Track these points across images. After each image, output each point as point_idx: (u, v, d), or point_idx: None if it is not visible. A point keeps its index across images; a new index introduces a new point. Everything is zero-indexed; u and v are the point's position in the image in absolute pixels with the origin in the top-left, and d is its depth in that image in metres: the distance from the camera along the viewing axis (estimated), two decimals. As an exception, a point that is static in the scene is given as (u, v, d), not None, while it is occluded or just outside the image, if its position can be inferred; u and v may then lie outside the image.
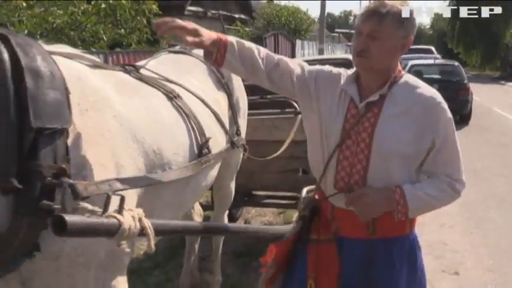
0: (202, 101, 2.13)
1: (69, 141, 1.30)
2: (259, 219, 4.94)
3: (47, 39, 7.34)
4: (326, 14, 21.46)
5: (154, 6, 9.16)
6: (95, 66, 1.67)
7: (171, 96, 1.90)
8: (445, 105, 1.58)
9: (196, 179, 1.96)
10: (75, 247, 1.33)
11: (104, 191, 1.26)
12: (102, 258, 1.44)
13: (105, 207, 1.17)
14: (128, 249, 1.53)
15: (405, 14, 1.52)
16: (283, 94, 1.81)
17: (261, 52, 1.64)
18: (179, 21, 1.51)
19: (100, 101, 1.49)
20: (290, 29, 20.70)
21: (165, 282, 3.42)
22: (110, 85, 1.62)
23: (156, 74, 2.00)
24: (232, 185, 2.85)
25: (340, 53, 28.13)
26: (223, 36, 1.56)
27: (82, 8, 8.26)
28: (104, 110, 1.49)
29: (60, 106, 1.27)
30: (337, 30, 56.36)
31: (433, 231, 4.50)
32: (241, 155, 2.68)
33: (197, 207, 3.31)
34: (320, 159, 1.66)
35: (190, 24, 1.52)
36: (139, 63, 2.16)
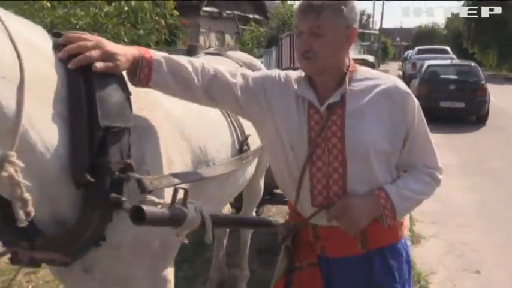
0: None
1: (130, 139, 1.39)
2: (280, 217, 5.04)
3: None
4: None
5: (174, 10, 9.32)
6: None
7: None
8: (410, 92, 1.48)
9: (235, 174, 2.06)
10: (134, 238, 1.43)
11: (167, 185, 1.37)
12: (156, 249, 1.55)
13: (173, 199, 1.27)
14: (178, 241, 1.63)
15: (342, 1, 1.40)
16: (228, 110, 1.75)
17: (195, 66, 1.49)
18: (86, 43, 1.31)
19: (152, 101, 1.60)
20: (305, 29, 20.73)
21: (193, 277, 3.52)
22: None
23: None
24: (262, 183, 2.95)
25: (354, 54, 28.05)
26: (147, 53, 1.42)
27: (104, 9, 8.47)
28: (156, 109, 1.59)
29: (124, 106, 1.36)
30: (350, 30, 55.92)
31: (453, 232, 4.56)
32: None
33: (226, 206, 3.41)
34: (289, 178, 1.52)
35: (99, 43, 1.33)
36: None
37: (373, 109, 1.43)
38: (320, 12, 1.38)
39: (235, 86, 1.52)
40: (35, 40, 1.23)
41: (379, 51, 45.67)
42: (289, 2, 27.86)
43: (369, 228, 1.46)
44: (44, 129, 1.20)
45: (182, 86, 1.48)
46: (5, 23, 1.12)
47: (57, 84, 1.24)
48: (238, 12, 22.18)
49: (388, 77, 1.51)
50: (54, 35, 1.35)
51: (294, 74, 1.56)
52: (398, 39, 67.39)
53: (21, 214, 1.13)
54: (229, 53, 2.63)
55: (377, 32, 51.75)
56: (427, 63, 12.54)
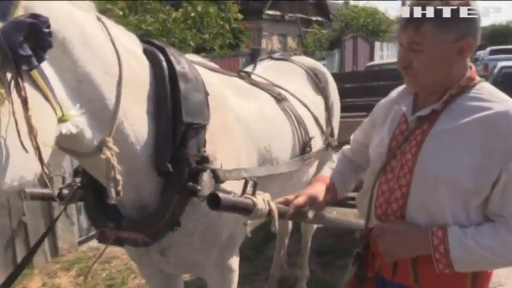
0: (304, 103, 2.32)
1: (206, 135, 1.53)
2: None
3: (140, 45, 7.95)
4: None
5: (238, 14, 9.59)
6: (217, 72, 1.92)
7: (279, 99, 2.12)
8: None
9: (298, 174, 2.15)
10: (206, 226, 1.57)
11: (236, 178, 1.50)
12: (225, 238, 1.67)
13: (244, 190, 1.39)
14: (244, 232, 1.75)
15: (446, 13, 1.19)
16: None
17: (345, 161, 1.66)
18: (298, 202, 1.46)
19: (224, 103, 1.73)
20: (368, 31, 20.37)
21: (254, 274, 3.64)
22: (229, 89, 1.86)
23: (265, 79, 2.23)
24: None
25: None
26: (324, 180, 1.56)
27: (172, 15, 8.90)
28: (227, 111, 1.72)
29: (203, 106, 1.51)
30: (416, 30, 54.03)
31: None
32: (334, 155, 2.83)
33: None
34: (366, 184, 1.48)
35: (304, 196, 1.47)
36: (247, 69, 2.41)
37: (462, 133, 1.22)
38: (420, 25, 1.21)
39: (366, 145, 1.56)
40: (129, 44, 1.42)
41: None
42: (352, 2, 27.53)
43: (423, 266, 1.29)
44: (135, 121, 1.36)
45: (355, 180, 1.65)
46: (108, 29, 1.30)
47: (147, 84, 1.42)
48: (301, 15, 22.20)
49: (506, 103, 1.22)
50: (145, 42, 1.54)
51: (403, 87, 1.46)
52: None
53: (112, 192, 1.29)
54: (294, 58, 2.73)
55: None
56: (500, 64, 11.82)
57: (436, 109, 1.28)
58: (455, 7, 1.19)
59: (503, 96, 1.26)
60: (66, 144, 1.25)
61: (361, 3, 24.85)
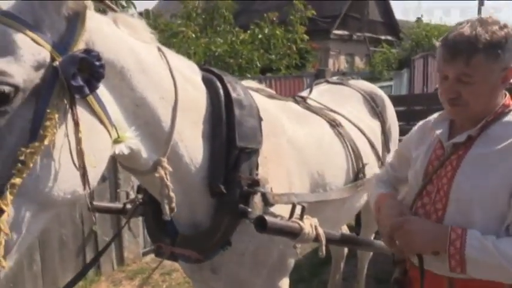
0: (359, 128, 2.32)
1: (258, 159, 1.60)
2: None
3: (208, 65, 8.32)
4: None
5: (304, 35, 9.71)
6: (272, 97, 2.00)
7: (334, 124, 2.15)
8: None
9: (351, 200, 2.15)
10: (256, 247, 1.62)
11: (286, 202, 1.55)
12: (275, 259, 1.71)
13: (291, 214, 1.44)
14: (294, 254, 1.78)
15: (497, 44, 1.21)
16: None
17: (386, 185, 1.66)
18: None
19: (278, 128, 1.79)
20: (441, 50, 19.57)
21: (309, 296, 3.64)
22: (284, 114, 1.92)
23: (320, 103, 2.27)
24: (381, 209, 2.95)
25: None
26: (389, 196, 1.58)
27: (240, 37, 9.21)
28: (281, 136, 1.78)
29: (256, 131, 1.58)
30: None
31: None
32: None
33: (343, 227, 3.47)
34: (406, 208, 1.47)
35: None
36: (303, 93, 2.46)
37: (497, 160, 1.25)
38: (471, 58, 1.22)
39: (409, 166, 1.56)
40: (186, 72, 1.53)
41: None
42: (424, 20, 26.68)
43: (462, 281, 1.30)
44: (190, 144, 1.46)
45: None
46: (167, 58, 1.43)
47: (203, 109, 1.52)
48: (370, 34, 21.93)
49: None
50: (204, 70, 1.66)
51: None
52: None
53: (166, 209, 1.39)
54: (351, 82, 2.74)
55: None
56: None
57: (471, 135, 1.31)
58: (504, 37, 1.22)
59: None
60: (124, 162, 1.38)
61: (434, 21, 24.01)
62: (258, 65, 9.22)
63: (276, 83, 7.54)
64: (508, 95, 1.35)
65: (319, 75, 6.75)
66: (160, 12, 9.89)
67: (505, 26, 1.25)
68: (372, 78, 9.84)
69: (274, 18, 9.73)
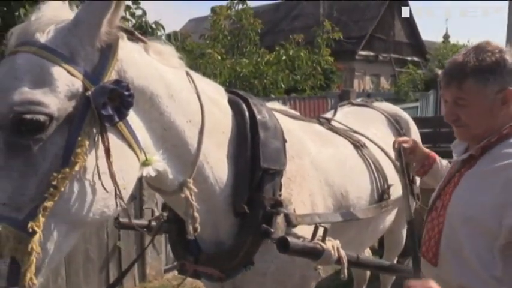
0: (384, 150, 2.32)
1: (282, 180, 1.62)
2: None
3: (233, 86, 8.46)
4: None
5: (328, 57, 9.76)
6: (296, 118, 2.02)
7: (358, 146, 2.15)
8: None
9: (375, 221, 2.14)
10: (278, 267, 1.62)
11: (309, 223, 1.55)
12: (296, 281, 1.71)
13: (314, 235, 1.44)
14: (316, 275, 1.78)
15: (484, 69, 1.29)
16: None
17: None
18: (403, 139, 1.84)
19: (302, 149, 1.81)
20: (468, 71, 19.30)
21: (331, 319, 3.57)
22: (308, 135, 1.94)
23: (344, 125, 2.28)
24: (404, 232, 2.91)
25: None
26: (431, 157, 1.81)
27: (265, 58, 9.33)
28: (304, 157, 1.80)
29: (280, 152, 1.61)
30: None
31: None
32: (414, 203, 2.74)
33: (366, 250, 3.42)
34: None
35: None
36: (327, 115, 2.47)
37: (491, 178, 1.30)
38: (461, 83, 1.33)
39: None
40: (213, 95, 1.58)
41: None
42: (451, 41, 26.42)
43: None
44: (215, 165, 1.50)
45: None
46: (195, 82, 1.48)
47: (229, 130, 1.56)
48: (395, 55, 21.85)
49: None
50: (231, 92, 1.70)
51: None
52: None
53: (190, 229, 1.42)
54: (375, 104, 2.74)
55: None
56: None
57: (473, 154, 1.38)
58: (494, 62, 1.30)
59: None
60: (152, 183, 1.42)
61: (461, 42, 23.76)
62: (283, 85, 9.30)
63: (300, 103, 7.58)
64: None
65: (343, 96, 6.76)
66: (188, 34, 10.13)
67: (500, 51, 1.32)
68: (397, 99, 9.78)
69: (300, 40, 9.85)
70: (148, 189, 3.97)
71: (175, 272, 4.49)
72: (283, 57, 9.33)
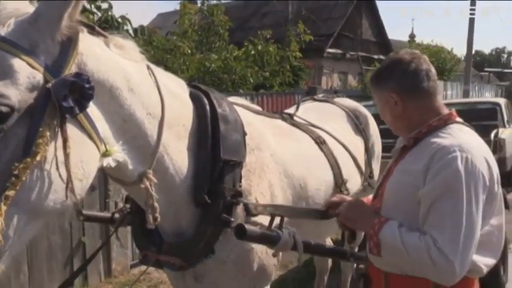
0: (343, 145, 2.41)
1: (242, 172, 1.68)
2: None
3: (202, 81, 8.46)
4: (474, 52, 20.18)
5: (297, 53, 9.88)
6: (259, 113, 2.08)
7: (318, 140, 2.23)
8: (457, 161, 1.33)
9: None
10: (238, 255, 1.68)
11: (268, 212, 1.62)
12: (256, 269, 1.77)
13: (271, 223, 1.50)
14: (274, 263, 1.84)
15: (382, 73, 1.54)
16: None
17: None
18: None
19: (262, 142, 1.87)
20: (432, 70, 19.89)
21: (294, 310, 3.67)
22: (269, 129, 2.00)
23: (306, 120, 2.36)
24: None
25: (489, 95, 25.79)
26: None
27: (234, 53, 9.36)
28: (264, 150, 1.86)
29: (240, 144, 1.66)
30: (486, 69, 51.98)
31: None
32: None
33: (328, 241, 3.53)
34: None
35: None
36: (290, 110, 2.55)
37: (415, 162, 1.43)
38: (373, 87, 1.58)
39: None
40: (175, 89, 1.61)
41: (522, 92, 41.36)
42: (417, 40, 27.10)
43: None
44: (175, 156, 1.54)
45: None
46: (156, 76, 1.51)
47: (189, 123, 1.60)
48: (363, 53, 22.24)
49: (454, 138, 1.41)
50: (192, 86, 1.73)
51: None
52: (546, 79, 60.27)
53: (150, 218, 1.46)
54: (337, 99, 2.84)
55: (519, 72, 47.14)
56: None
57: (405, 145, 1.53)
58: (387, 69, 1.53)
59: (459, 134, 1.44)
60: (112, 174, 1.45)
61: (425, 41, 24.41)
62: (251, 81, 9.36)
63: (268, 100, 7.66)
64: (451, 111, 1.54)
65: (310, 93, 6.87)
66: (156, 28, 10.03)
67: (394, 57, 1.56)
68: (364, 96, 9.99)
69: (268, 36, 9.93)
70: (114, 184, 3.96)
71: (142, 267, 4.49)
72: (252, 52, 9.38)
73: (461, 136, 1.43)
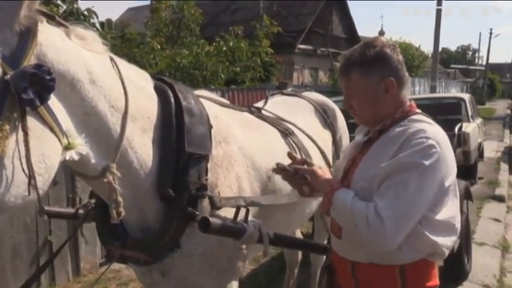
0: (311, 138, 2.43)
1: (208, 165, 1.67)
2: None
3: (173, 76, 8.36)
4: (441, 49, 20.71)
5: (269, 48, 9.89)
6: (226, 106, 2.08)
7: (286, 133, 2.24)
8: (417, 148, 1.39)
9: (301, 206, 2.24)
10: (205, 249, 1.67)
11: (233, 205, 1.62)
12: (224, 262, 1.77)
13: (235, 216, 1.51)
14: (243, 256, 1.85)
15: (365, 59, 1.48)
16: None
17: None
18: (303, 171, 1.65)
19: (229, 135, 1.86)
20: (400, 66, 20.33)
21: (266, 304, 3.70)
22: (236, 122, 2.00)
23: (274, 114, 2.37)
24: (332, 215, 3.07)
25: (455, 91, 26.62)
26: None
27: (205, 49, 9.29)
28: (231, 143, 1.85)
29: (205, 138, 1.65)
30: (452, 65, 53.55)
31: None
32: None
33: (298, 234, 3.56)
34: None
35: (313, 173, 1.60)
36: (258, 104, 2.55)
37: (380, 151, 1.49)
38: (348, 74, 1.52)
39: None
40: (139, 81, 1.59)
41: (485, 88, 42.79)
42: (387, 37, 27.62)
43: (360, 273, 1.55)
44: (140, 150, 1.51)
45: None
46: (119, 68, 1.48)
47: (154, 116, 1.58)
48: (333, 50, 22.50)
49: (416, 128, 1.46)
50: (157, 79, 1.71)
51: None
52: (508, 75, 62.62)
53: (114, 213, 1.44)
54: (305, 93, 2.86)
55: (483, 68, 48.73)
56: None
57: (371, 136, 1.56)
58: (374, 56, 1.48)
59: (422, 123, 1.49)
60: (75, 168, 1.41)
61: (394, 38, 24.92)
62: (223, 76, 9.31)
63: (238, 95, 7.65)
64: (411, 103, 1.57)
65: (281, 88, 6.89)
66: (128, 22, 9.83)
67: (382, 45, 1.50)
68: (334, 92, 10.11)
69: (240, 32, 9.90)
70: (80, 180, 3.87)
71: (112, 266, 4.43)
72: (224, 48, 9.33)
73: (424, 125, 1.48)
